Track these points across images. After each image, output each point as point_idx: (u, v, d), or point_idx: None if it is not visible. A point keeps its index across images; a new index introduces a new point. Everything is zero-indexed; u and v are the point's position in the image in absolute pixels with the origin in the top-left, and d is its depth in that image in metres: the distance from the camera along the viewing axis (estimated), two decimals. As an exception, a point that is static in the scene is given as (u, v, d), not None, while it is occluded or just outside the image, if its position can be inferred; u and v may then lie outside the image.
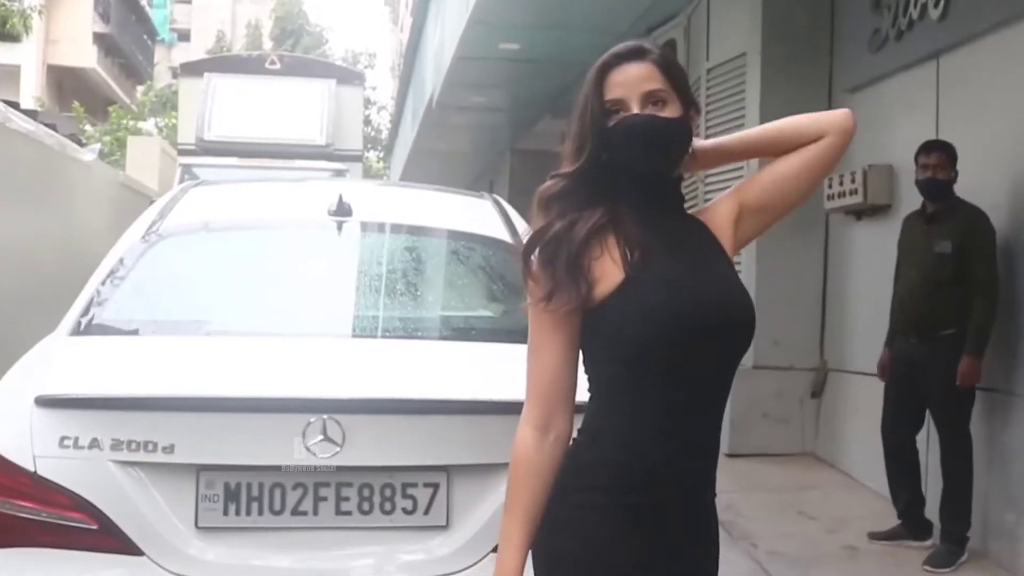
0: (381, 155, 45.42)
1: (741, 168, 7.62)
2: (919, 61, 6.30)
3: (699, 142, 2.00)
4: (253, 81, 13.99)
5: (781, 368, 7.53)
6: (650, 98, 1.89)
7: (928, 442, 5.66)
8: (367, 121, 44.21)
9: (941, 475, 5.32)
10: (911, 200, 6.34)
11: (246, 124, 13.15)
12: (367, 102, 43.83)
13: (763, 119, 7.44)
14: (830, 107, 7.48)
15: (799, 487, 6.77)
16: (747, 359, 7.27)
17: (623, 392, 1.87)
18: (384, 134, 43.55)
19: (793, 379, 7.56)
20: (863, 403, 6.77)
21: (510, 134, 17.54)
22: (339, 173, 12.17)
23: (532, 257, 1.90)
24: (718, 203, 2.05)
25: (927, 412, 5.45)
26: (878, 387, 5.85)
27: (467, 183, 24.66)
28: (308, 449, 2.66)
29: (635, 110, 1.88)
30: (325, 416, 2.66)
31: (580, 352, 1.93)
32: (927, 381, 5.32)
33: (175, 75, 17.42)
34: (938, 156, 5.39)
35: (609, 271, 1.86)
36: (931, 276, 5.32)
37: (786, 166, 2.01)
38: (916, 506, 5.55)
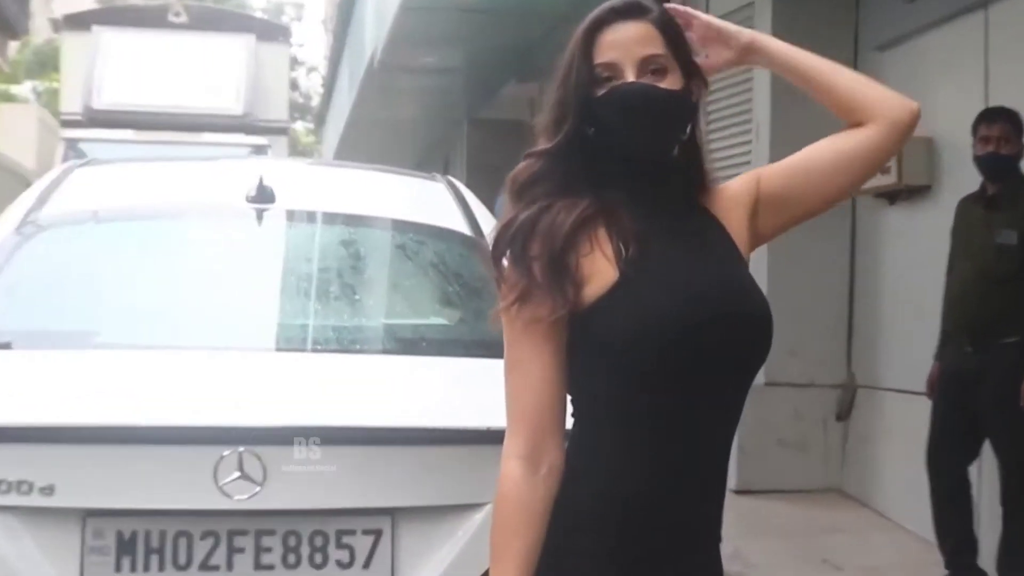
0: (311, 126, 45.32)
1: (748, 143, 7.69)
2: (964, 11, 6.36)
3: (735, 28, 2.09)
4: (153, 36, 13.94)
5: (799, 385, 7.56)
6: (648, 64, 1.90)
7: (980, 473, 5.70)
8: (294, 85, 44.10)
9: (1001, 515, 5.36)
10: (954, 180, 6.41)
11: (145, 89, 13.10)
12: (294, 62, 43.77)
13: (775, 84, 7.58)
14: (855, 68, 7.54)
15: (822, 530, 6.79)
16: (758, 375, 7.27)
17: (613, 415, 1.88)
18: (315, 101, 43.45)
19: (814, 398, 7.60)
20: (900, 427, 6.81)
21: (467, 101, 17.53)
22: (260, 149, 12.16)
23: (505, 254, 1.89)
24: (731, 188, 2.06)
25: (983, 438, 5.48)
26: (918, 407, 5.88)
27: (416, 160, 24.69)
28: (220, 489, 2.64)
29: (630, 78, 1.89)
30: (241, 448, 2.64)
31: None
32: (983, 399, 5.36)
33: (56, 29, 17.28)
34: (1002, 127, 5.42)
35: (600, 269, 1.86)
36: (990, 271, 5.36)
37: (818, 153, 2.05)
38: (967, 553, 5.57)
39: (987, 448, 5.53)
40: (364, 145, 23.41)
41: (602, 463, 1.87)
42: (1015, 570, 5.27)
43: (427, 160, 24.36)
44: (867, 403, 7.41)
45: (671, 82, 1.92)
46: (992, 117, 5.49)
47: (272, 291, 3.54)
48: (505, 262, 1.90)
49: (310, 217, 3.92)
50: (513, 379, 1.91)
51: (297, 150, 43.34)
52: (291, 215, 3.83)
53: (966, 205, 5.68)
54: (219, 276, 3.56)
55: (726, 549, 2.02)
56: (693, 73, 1.98)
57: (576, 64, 1.90)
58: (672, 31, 1.95)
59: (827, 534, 6.70)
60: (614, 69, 1.89)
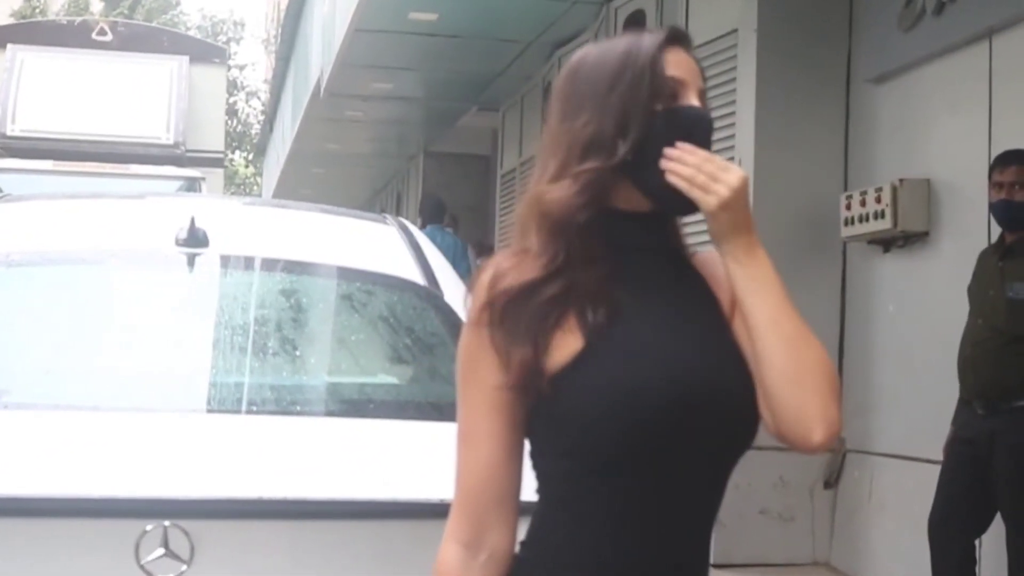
0: (249, 156, 45.29)
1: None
2: (967, 41, 6.45)
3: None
4: (75, 57, 13.92)
5: (783, 448, 7.49)
6: (703, 97, 1.92)
7: (980, 547, 5.72)
8: (232, 111, 44.17)
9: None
10: (954, 226, 6.47)
11: (65, 116, 13.07)
12: (232, 87, 43.84)
13: (760, 117, 7.64)
14: (848, 102, 7.69)
15: (809, 609, 6.80)
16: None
17: (568, 500, 1.87)
18: (255, 129, 43.48)
19: (800, 463, 7.59)
20: (894, 496, 6.83)
21: (424, 132, 17.60)
22: (193, 183, 12.13)
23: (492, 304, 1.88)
24: (714, 261, 2.00)
25: (994, 510, 5.50)
26: (914, 474, 5.91)
27: (366, 197, 24.74)
28: (143, 568, 2.61)
29: (695, 102, 1.89)
30: (166, 523, 2.62)
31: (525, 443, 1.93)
32: (994, 466, 5.39)
33: (-31, 46, 17.23)
34: (1016, 171, 5.46)
35: (567, 338, 1.85)
36: (1003, 328, 5.40)
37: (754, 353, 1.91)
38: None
39: (993, 521, 5.55)
40: (308, 179, 23.43)
41: (551, 552, 1.87)
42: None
43: (378, 196, 24.41)
44: (858, 469, 7.43)
45: None
46: (1005, 161, 5.54)
47: (203, 346, 3.52)
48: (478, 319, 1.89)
49: (247, 263, 3.89)
50: (462, 453, 1.91)
51: (235, 183, 43.32)
52: (226, 261, 3.80)
53: (984, 257, 5.71)
54: (144, 328, 3.53)
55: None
56: None
57: (648, 73, 1.87)
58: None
59: (815, 614, 6.70)
60: (682, 87, 1.89)
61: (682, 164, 1.83)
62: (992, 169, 5.55)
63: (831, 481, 7.61)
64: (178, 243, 3.66)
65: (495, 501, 1.89)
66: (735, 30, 7.91)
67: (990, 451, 5.38)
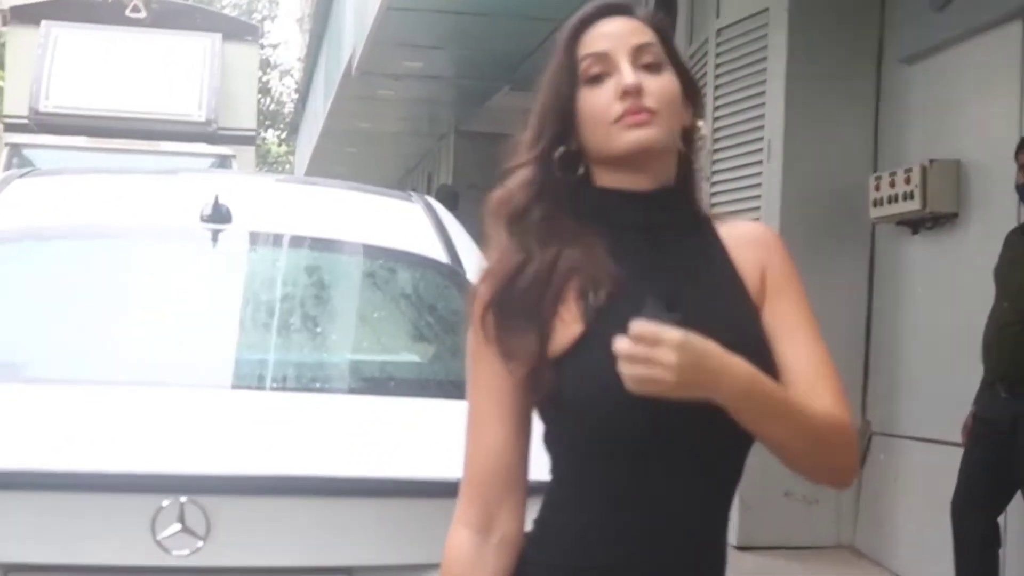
0: (282, 135, 45.36)
1: (759, 164, 7.68)
2: (1000, 20, 6.37)
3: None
4: (109, 34, 13.93)
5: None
6: (642, 55, 1.87)
7: (1006, 531, 5.70)
8: (265, 90, 44.20)
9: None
10: (984, 207, 6.41)
11: (98, 92, 13.08)
12: (265, 64, 43.88)
13: (790, 97, 7.59)
14: (879, 83, 7.62)
15: (833, 591, 6.77)
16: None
17: (578, 477, 1.86)
18: (288, 107, 43.54)
19: (826, 446, 7.56)
20: (919, 479, 6.79)
21: (455, 111, 17.57)
22: (224, 161, 12.15)
23: (484, 300, 1.89)
24: (747, 231, 2.00)
25: (1014, 491, 5.49)
26: (940, 457, 5.87)
27: (398, 176, 24.75)
28: (159, 544, 2.60)
29: (625, 68, 1.85)
30: (183, 498, 2.61)
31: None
32: (1017, 448, 5.35)
33: (4, 22, 17.29)
34: None
35: (568, 322, 1.84)
36: None
37: (785, 364, 1.89)
38: (991, 617, 5.57)
39: (1014, 505, 5.52)
40: (340, 157, 23.46)
41: (558, 532, 1.87)
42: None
43: (410, 175, 24.42)
44: (883, 452, 7.39)
45: (666, 79, 1.88)
46: None
47: (225, 322, 3.52)
48: (481, 310, 1.89)
49: (270, 240, 3.89)
50: (471, 438, 1.91)
51: (267, 161, 43.40)
52: (249, 237, 3.80)
53: (1011, 238, 5.67)
54: (166, 304, 3.53)
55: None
56: (691, 93, 1.94)
57: (560, 60, 1.88)
58: (667, 37, 1.93)
59: (839, 596, 6.68)
60: (605, 61, 1.86)
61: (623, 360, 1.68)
62: (1018, 150, 5.50)
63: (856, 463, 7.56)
64: (202, 219, 3.65)
65: (503, 485, 1.89)
66: (766, 9, 7.84)
67: (1013, 433, 5.35)
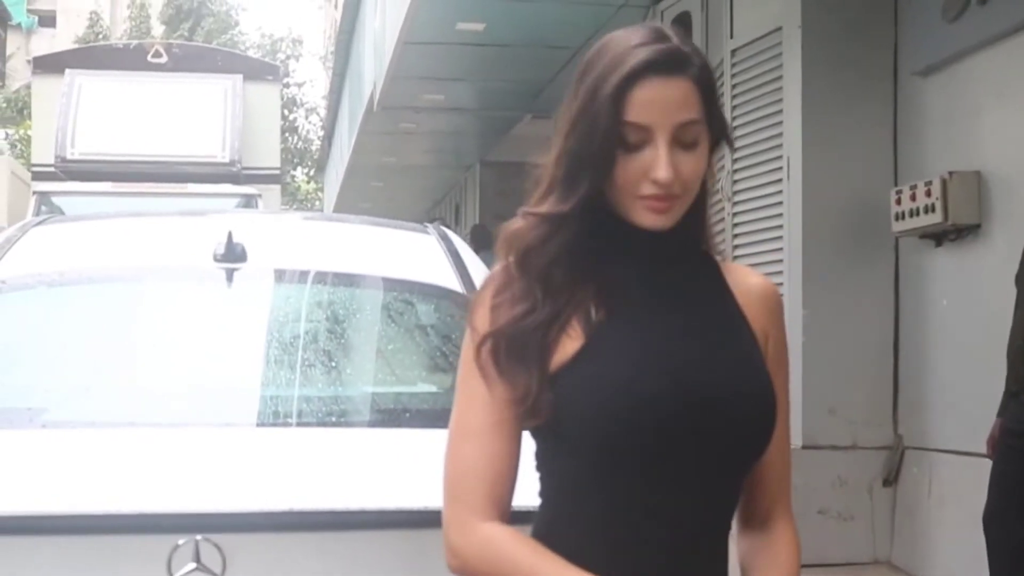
0: (311, 172, 45.57)
1: (780, 182, 7.67)
2: (1013, 30, 6.36)
3: None
4: (131, 80, 14.05)
5: (841, 447, 7.51)
6: (683, 134, 1.84)
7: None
8: (292, 128, 44.51)
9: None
10: (1007, 218, 6.39)
11: (122, 137, 13.19)
12: (291, 103, 44.15)
13: (807, 115, 7.59)
14: (895, 96, 7.60)
15: (871, 608, 6.72)
16: (794, 435, 7.22)
17: (573, 494, 1.87)
18: (315, 145, 43.77)
19: (858, 461, 7.54)
20: (954, 492, 6.75)
21: (479, 142, 17.62)
22: (249, 200, 12.21)
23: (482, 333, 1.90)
24: (755, 284, 2.03)
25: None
26: (974, 470, 5.82)
27: (425, 209, 24.81)
28: (176, 583, 2.60)
29: (662, 148, 1.83)
30: (198, 536, 2.60)
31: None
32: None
33: (31, 72, 17.48)
34: None
35: (570, 337, 1.86)
36: None
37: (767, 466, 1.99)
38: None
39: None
40: (367, 192, 23.55)
41: (559, 547, 1.85)
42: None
43: (437, 208, 24.47)
44: (917, 466, 7.34)
45: (699, 156, 1.87)
46: None
47: (239, 359, 3.53)
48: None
49: (285, 276, 3.90)
50: (471, 447, 1.89)
51: (297, 199, 43.61)
52: (263, 275, 3.81)
53: None
54: (182, 344, 3.54)
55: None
56: (720, 134, 1.93)
57: (603, 118, 1.82)
58: (710, 87, 1.89)
59: (876, 613, 6.63)
60: (646, 133, 1.83)
61: None
62: None
63: (890, 479, 7.53)
64: (216, 259, 3.66)
65: (507, 497, 1.88)
66: (779, 28, 7.85)
67: (1041, 444, 5.30)
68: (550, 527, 1.89)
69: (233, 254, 3.66)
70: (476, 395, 1.89)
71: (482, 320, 1.90)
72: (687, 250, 1.96)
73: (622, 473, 1.82)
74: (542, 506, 1.93)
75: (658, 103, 1.83)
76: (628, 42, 1.86)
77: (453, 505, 1.90)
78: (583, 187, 1.85)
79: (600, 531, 1.84)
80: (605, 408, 1.80)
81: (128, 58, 14.77)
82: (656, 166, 1.82)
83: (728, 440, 1.86)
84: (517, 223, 1.92)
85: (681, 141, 1.84)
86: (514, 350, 1.85)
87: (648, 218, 1.86)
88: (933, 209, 6.75)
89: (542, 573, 1.80)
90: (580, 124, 1.85)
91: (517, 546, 1.83)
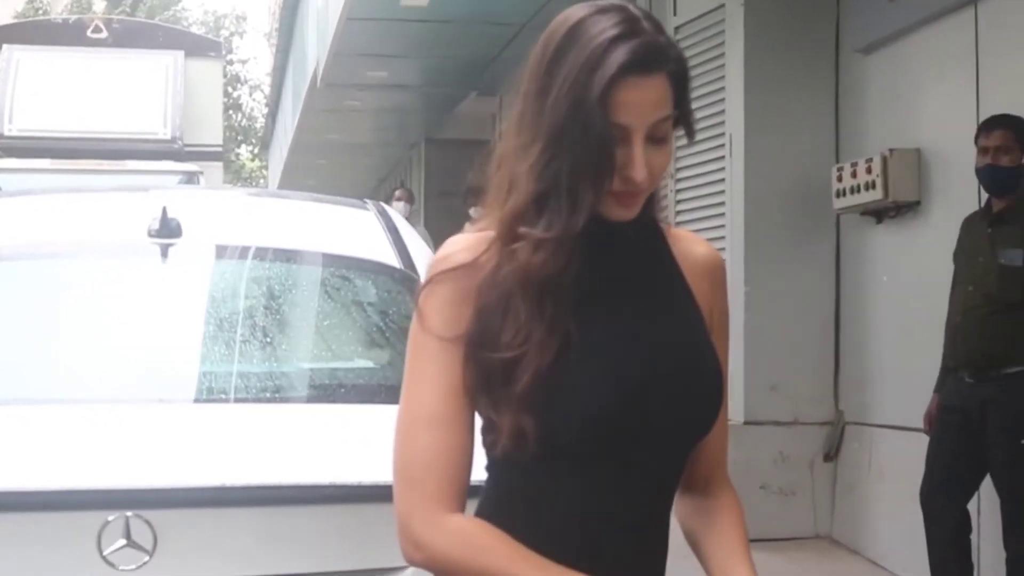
0: (255, 150, 45.29)
1: (722, 159, 7.70)
2: (951, 8, 6.39)
3: None
4: (70, 55, 13.88)
5: (782, 423, 7.56)
6: (655, 131, 1.82)
7: (980, 515, 5.70)
8: (236, 106, 44.16)
9: (1004, 560, 5.35)
10: (946, 195, 6.43)
11: (62, 114, 13.04)
12: (235, 80, 43.79)
13: (749, 92, 7.61)
14: (837, 74, 7.63)
15: (812, 583, 6.77)
16: (736, 412, 7.28)
17: (524, 484, 1.85)
18: (260, 123, 43.50)
19: (799, 437, 7.59)
20: (894, 467, 6.80)
21: (424, 119, 17.58)
22: (191, 177, 12.11)
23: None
24: (700, 255, 2.02)
25: (982, 475, 5.49)
26: (914, 445, 5.86)
27: (371, 186, 24.73)
28: (105, 560, 2.59)
29: (637, 146, 1.79)
30: (128, 513, 2.60)
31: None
32: (984, 434, 5.36)
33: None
34: (1001, 135, 5.41)
35: (544, 348, 1.81)
36: (994, 295, 5.36)
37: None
38: (967, 605, 5.58)
39: (987, 489, 5.53)
40: (312, 170, 23.44)
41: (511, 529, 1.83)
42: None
43: (382, 185, 24.39)
44: (857, 441, 7.40)
45: (668, 149, 1.85)
46: (990, 126, 5.49)
47: (173, 336, 3.50)
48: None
49: (220, 252, 3.87)
50: (433, 435, 1.82)
51: (241, 177, 43.33)
52: (198, 250, 3.78)
53: (970, 223, 5.67)
54: (112, 320, 3.51)
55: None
56: (687, 125, 1.91)
57: (596, 124, 1.76)
58: (684, 81, 1.86)
59: (817, 588, 6.69)
60: (622, 132, 1.79)
61: None
62: (978, 135, 5.50)
63: (831, 454, 7.58)
64: (150, 234, 3.63)
65: (459, 488, 1.82)
66: (722, 5, 7.87)
67: (981, 418, 5.34)
68: (497, 507, 1.86)
69: (168, 229, 3.63)
70: (431, 380, 1.82)
71: (453, 316, 1.82)
72: (638, 224, 1.92)
73: (581, 462, 1.82)
74: (489, 483, 1.89)
75: (637, 103, 1.79)
76: (602, 33, 1.79)
77: (412, 495, 1.81)
78: (588, 198, 1.79)
79: (557, 511, 1.83)
80: (571, 421, 1.78)
81: (67, 33, 14.59)
82: (631, 166, 1.79)
83: (683, 424, 1.88)
84: (533, 254, 1.79)
85: (653, 137, 1.82)
86: (496, 380, 1.80)
87: (617, 212, 1.84)
88: (874, 186, 6.78)
89: (522, 566, 1.77)
90: (571, 132, 1.78)
91: (492, 539, 1.79)
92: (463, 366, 1.81)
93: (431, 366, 1.83)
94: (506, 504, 1.86)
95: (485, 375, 1.80)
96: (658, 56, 1.80)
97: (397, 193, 12.39)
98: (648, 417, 1.83)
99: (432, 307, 1.83)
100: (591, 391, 1.79)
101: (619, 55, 1.76)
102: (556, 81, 1.79)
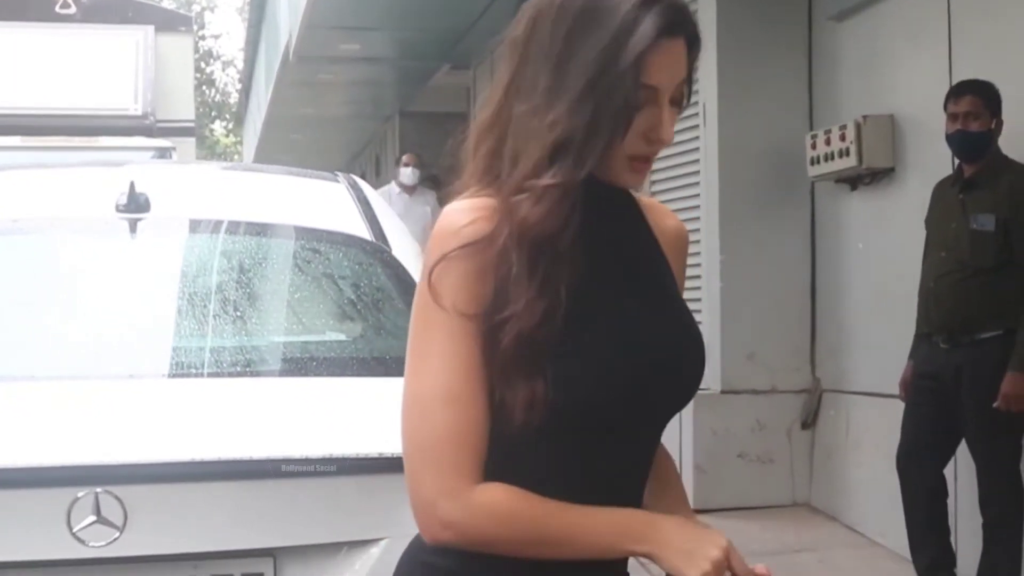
0: (229, 125, 45.13)
1: (696, 128, 7.69)
2: (924, -26, 6.39)
3: None
4: (38, 31, 13.77)
5: (760, 391, 7.58)
6: (676, 92, 1.84)
7: (956, 480, 5.73)
8: (209, 81, 43.95)
9: (981, 526, 5.38)
10: (920, 161, 6.45)
11: (31, 91, 12.92)
12: (208, 56, 43.57)
13: (722, 60, 7.61)
14: (810, 41, 7.63)
15: (789, 549, 6.79)
16: (713, 380, 7.31)
17: (521, 457, 1.83)
18: (234, 98, 43.34)
19: (777, 405, 7.61)
20: (871, 434, 6.83)
21: (397, 92, 17.52)
22: (163, 153, 12.04)
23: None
24: (672, 229, 2.04)
25: (958, 440, 5.53)
26: (891, 411, 5.89)
27: (345, 161, 24.66)
28: (75, 536, 2.58)
29: (666, 108, 1.81)
30: (98, 489, 2.59)
31: None
32: (959, 400, 5.39)
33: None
34: (970, 101, 5.41)
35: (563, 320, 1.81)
36: (967, 260, 5.38)
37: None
38: (944, 567, 5.61)
39: (963, 454, 5.55)
40: (286, 145, 23.36)
41: None
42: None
43: (356, 160, 24.34)
44: (834, 409, 7.44)
45: (678, 112, 1.86)
46: (959, 92, 5.50)
47: (140, 311, 3.48)
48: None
49: (189, 226, 3.86)
50: (454, 412, 1.79)
51: (216, 153, 43.19)
52: (167, 224, 3.76)
53: (941, 189, 5.69)
54: (79, 295, 3.49)
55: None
56: (688, 88, 1.89)
57: (628, 84, 1.77)
58: (698, 44, 1.88)
59: (794, 553, 6.72)
60: (652, 95, 1.80)
61: None
62: (947, 100, 5.50)
63: (808, 422, 7.61)
64: (118, 209, 3.61)
65: (481, 463, 1.80)
66: (694, -29, 7.85)
67: (956, 384, 5.37)
68: (495, 476, 1.83)
69: (136, 204, 3.61)
70: (446, 356, 1.79)
71: (469, 292, 1.79)
72: (621, 193, 1.95)
73: (591, 436, 1.83)
74: (490, 461, 1.84)
75: (668, 66, 1.80)
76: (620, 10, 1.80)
77: (436, 475, 1.78)
78: (596, 152, 1.79)
79: (559, 486, 1.81)
80: (589, 396, 1.79)
81: (35, 8, 14.44)
82: (661, 126, 1.81)
83: (679, 397, 1.92)
84: (529, 211, 1.78)
85: (674, 99, 1.83)
86: (524, 355, 1.78)
87: (630, 178, 1.86)
88: (848, 153, 6.80)
89: (554, 523, 1.78)
90: (596, 95, 1.78)
91: (521, 503, 1.79)
92: (480, 341, 1.79)
93: (446, 342, 1.79)
94: (504, 473, 1.82)
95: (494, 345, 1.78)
96: (684, 19, 1.83)
97: (404, 159, 11.85)
98: (654, 392, 1.85)
99: (448, 284, 1.79)
100: (613, 366, 1.80)
101: (655, 18, 1.78)
102: (581, 46, 1.79)
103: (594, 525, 1.79)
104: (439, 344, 1.80)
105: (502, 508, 1.78)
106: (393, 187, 11.52)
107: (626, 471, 1.89)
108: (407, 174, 11.42)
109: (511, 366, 1.77)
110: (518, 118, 1.82)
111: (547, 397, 1.76)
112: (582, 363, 1.79)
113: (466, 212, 1.81)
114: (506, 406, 1.78)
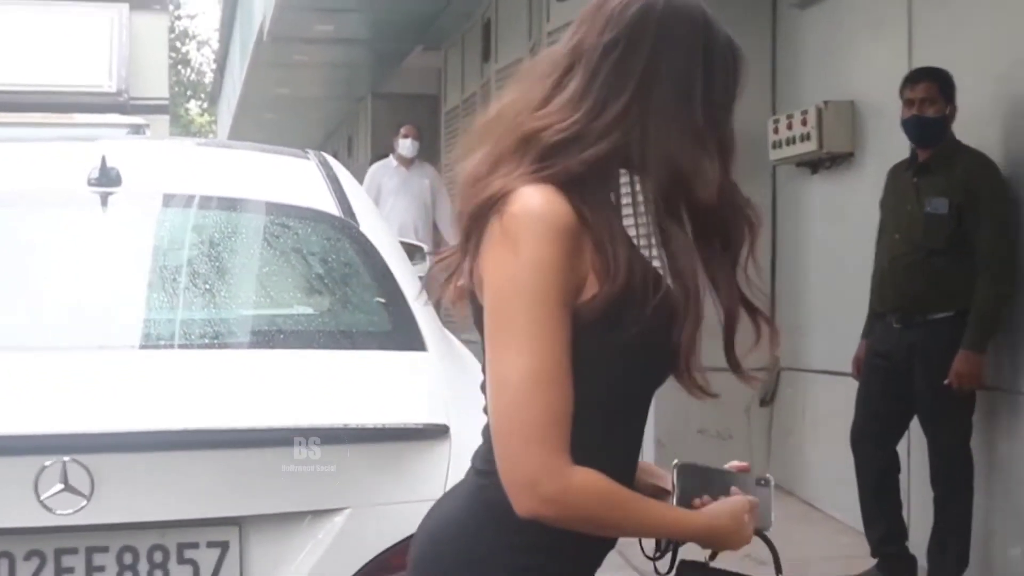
0: (204, 105, 44.92)
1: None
2: (888, -38, 6.41)
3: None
4: (13, 7, 13.65)
5: (719, 369, 7.53)
6: None
7: (909, 455, 5.77)
8: (184, 61, 43.73)
9: (932, 500, 5.42)
10: (879, 146, 6.47)
11: (4, 67, 12.82)
12: (183, 35, 43.37)
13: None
14: (774, 28, 7.65)
15: (747, 524, 6.82)
16: (674, 359, 7.30)
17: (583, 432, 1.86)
18: (209, 77, 43.12)
19: (736, 383, 7.50)
20: (827, 411, 6.87)
21: (371, 73, 17.45)
22: (137, 130, 11.97)
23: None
24: None
25: (910, 418, 5.57)
26: (846, 389, 5.92)
27: (318, 141, 24.56)
28: (43, 504, 2.58)
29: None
30: (65, 458, 2.58)
31: None
32: (912, 378, 5.43)
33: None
34: (926, 87, 5.44)
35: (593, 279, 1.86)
36: (920, 242, 5.41)
37: None
38: (896, 540, 5.66)
39: (915, 431, 5.59)
40: (260, 124, 23.25)
41: None
42: (945, 556, 5.34)
43: (330, 140, 24.26)
44: (792, 387, 7.49)
45: None
46: (915, 78, 5.53)
47: (109, 283, 3.47)
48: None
49: (160, 200, 3.84)
50: (558, 393, 1.81)
51: (191, 132, 42.99)
52: (138, 199, 3.74)
53: (896, 173, 5.72)
54: (50, 268, 3.47)
55: (644, 545, 2.06)
56: None
57: (735, 91, 2.03)
58: None
59: (752, 529, 6.73)
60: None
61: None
62: (903, 87, 5.53)
63: (767, 399, 7.65)
64: (90, 182, 3.59)
65: (569, 442, 1.83)
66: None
67: (908, 363, 5.41)
68: None
69: (107, 178, 3.60)
70: (546, 338, 1.79)
71: (565, 276, 1.83)
72: None
73: (637, 410, 1.96)
74: None
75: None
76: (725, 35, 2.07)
77: (539, 453, 1.78)
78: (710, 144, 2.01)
79: (604, 460, 1.85)
80: (630, 360, 1.91)
81: (9, -16, 14.36)
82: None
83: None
84: (710, 180, 2.03)
85: None
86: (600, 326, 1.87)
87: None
88: (808, 138, 6.82)
89: (636, 500, 1.88)
90: (717, 80, 1.99)
91: (611, 482, 1.83)
92: (569, 322, 1.82)
93: (545, 323, 1.80)
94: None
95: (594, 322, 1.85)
96: None
97: (403, 130, 11.39)
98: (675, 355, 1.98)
99: (545, 269, 1.80)
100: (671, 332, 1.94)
101: (735, 43, 2.06)
102: (707, 40, 2.00)
103: (661, 513, 1.92)
104: (537, 325, 1.80)
105: (601, 488, 1.82)
106: (391, 160, 11.19)
107: (640, 443, 1.98)
108: (406, 145, 10.99)
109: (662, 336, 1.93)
110: (563, 107, 1.89)
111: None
112: (636, 306, 1.86)
113: (547, 196, 1.83)
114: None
